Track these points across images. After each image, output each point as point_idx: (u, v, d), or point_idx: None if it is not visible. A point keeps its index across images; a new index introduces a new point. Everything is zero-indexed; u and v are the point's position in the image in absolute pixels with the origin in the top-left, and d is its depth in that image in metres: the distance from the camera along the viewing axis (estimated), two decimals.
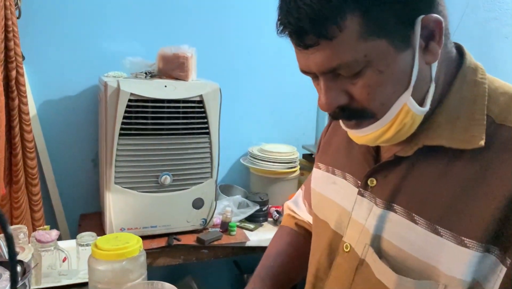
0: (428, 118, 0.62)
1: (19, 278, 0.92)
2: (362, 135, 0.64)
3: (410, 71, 0.57)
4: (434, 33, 0.57)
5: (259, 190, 1.95)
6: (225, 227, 1.68)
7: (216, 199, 1.68)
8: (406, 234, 0.61)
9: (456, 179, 0.58)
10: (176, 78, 1.55)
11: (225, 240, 1.62)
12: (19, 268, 0.95)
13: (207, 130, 1.56)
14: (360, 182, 0.70)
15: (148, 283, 0.75)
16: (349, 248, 0.70)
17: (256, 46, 2.01)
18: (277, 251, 0.95)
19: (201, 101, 1.52)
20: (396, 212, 0.63)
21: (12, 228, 1.17)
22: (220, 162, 1.63)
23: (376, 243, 0.65)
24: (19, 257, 1.03)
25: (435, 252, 0.58)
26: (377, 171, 0.68)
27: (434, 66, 0.59)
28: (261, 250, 1.70)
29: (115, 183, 1.46)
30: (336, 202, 0.77)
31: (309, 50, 0.56)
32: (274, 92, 2.11)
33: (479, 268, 0.54)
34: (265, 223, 1.83)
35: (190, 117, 1.53)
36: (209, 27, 1.92)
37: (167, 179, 1.52)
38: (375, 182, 0.68)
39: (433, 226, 0.58)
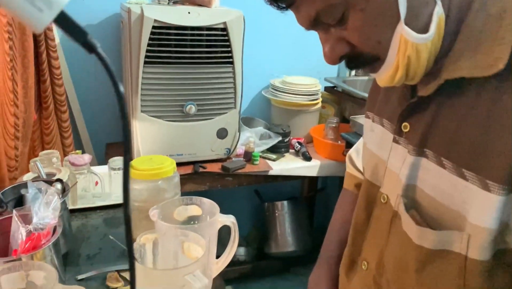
0: (450, 48, 0.55)
1: (61, 195, 0.97)
2: (380, 78, 0.60)
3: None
4: None
5: (280, 122, 1.96)
6: (249, 156, 1.71)
7: (239, 130, 1.70)
8: (436, 181, 0.57)
9: (482, 114, 0.52)
10: (199, 5, 1.51)
11: (249, 168, 1.67)
12: (59, 186, 0.99)
13: (230, 60, 1.55)
14: (395, 128, 0.65)
15: (187, 198, 0.78)
16: (386, 199, 0.67)
17: None
18: (341, 224, 0.91)
19: (224, 29, 1.49)
20: (428, 158, 0.59)
21: (44, 153, 1.22)
22: (242, 94, 1.63)
23: (411, 193, 0.61)
24: (56, 177, 1.07)
25: (463, 198, 0.54)
26: (409, 115, 0.62)
27: None
28: (282, 178, 1.75)
29: (142, 112, 1.48)
30: (373, 151, 0.74)
31: (292, 9, 0.57)
32: (297, 24, 2.05)
33: (507, 212, 0.50)
34: (287, 154, 1.86)
35: (213, 46, 1.51)
36: None
37: (191, 108, 1.54)
38: (408, 127, 0.62)
39: (459, 170, 0.54)
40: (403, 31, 0.52)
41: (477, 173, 0.52)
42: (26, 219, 0.80)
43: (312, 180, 2.24)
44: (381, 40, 0.55)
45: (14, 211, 0.80)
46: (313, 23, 0.57)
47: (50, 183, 0.96)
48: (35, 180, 1.03)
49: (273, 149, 1.82)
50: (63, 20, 0.32)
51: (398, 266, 0.63)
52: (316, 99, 1.96)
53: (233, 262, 2.11)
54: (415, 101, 0.60)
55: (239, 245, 2.10)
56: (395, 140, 0.65)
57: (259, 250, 2.21)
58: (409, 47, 0.53)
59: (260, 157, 1.76)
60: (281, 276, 2.20)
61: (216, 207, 0.74)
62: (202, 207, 0.77)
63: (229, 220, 0.74)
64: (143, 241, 0.66)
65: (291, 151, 1.88)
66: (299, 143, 1.86)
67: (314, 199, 2.34)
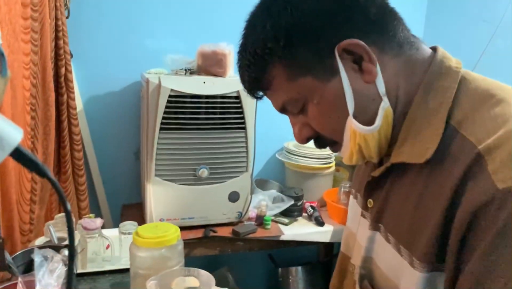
0: (398, 134, 0.63)
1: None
2: (343, 157, 0.68)
3: (344, 96, 0.60)
4: (361, 54, 0.59)
5: (294, 185, 1.97)
6: (260, 220, 1.71)
7: (252, 193, 1.71)
8: (385, 254, 0.64)
9: (417, 195, 0.58)
10: (215, 75, 1.59)
11: (260, 233, 1.65)
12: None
13: (243, 126, 1.59)
14: (362, 203, 0.72)
15: (185, 270, 0.79)
16: (353, 269, 0.73)
17: None
18: None
19: (238, 97, 1.56)
20: (380, 232, 0.66)
21: (60, 216, 1.26)
22: (256, 157, 1.66)
23: (368, 264, 0.68)
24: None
25: (399, 272, 0.59)
26: (371, 191, 0.69)
27: (380, 82, 0.60)
28: (295, 244, 1.73)
29: (156, 175, 1.53)
30: (347, 224, 0.82)
31: (266, 98, 0.69)
32: None
33: (431, 287, 0.55)
34: (299, 218, 1.84)
35: (227, 113, 1.56)
36: None
37: (204, 172, 1.57)
38: (372, 202, 0.69)
39: (398, 246, 0.60)
40: (352, 122, 0.61)
41: (408, 250, 0.58)
42: (31, 285, 0.82)
43: (328, 244, 2.19)
44: (335, 128, 0.64)
45: (19, 278, 0.82)
46: (281, 110, 0.68)
47: (58, 248, 0.99)
48: (43, 245, 1.06)
49: (286, 213, 1.82)
50: (18, 156, 0.39)
51: None
52: (330, 162, 1.97)
53: None
54: (370, 180, 0.68)
55: None
56: (362, 215, 0.73)
57: None
58: (358, 136, 0.62)
59: (272, 220, 1.75)
60: None
61: (212, 279, 0.74)
62: (200, 278, 0.78)
63: None
64: None
65: (304, 214, 1.87)
66: (312, 207, 1.85)
67: (331, 264, 2.28)
